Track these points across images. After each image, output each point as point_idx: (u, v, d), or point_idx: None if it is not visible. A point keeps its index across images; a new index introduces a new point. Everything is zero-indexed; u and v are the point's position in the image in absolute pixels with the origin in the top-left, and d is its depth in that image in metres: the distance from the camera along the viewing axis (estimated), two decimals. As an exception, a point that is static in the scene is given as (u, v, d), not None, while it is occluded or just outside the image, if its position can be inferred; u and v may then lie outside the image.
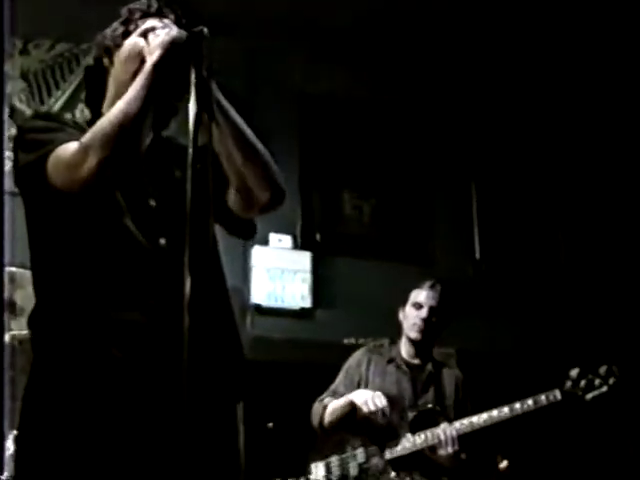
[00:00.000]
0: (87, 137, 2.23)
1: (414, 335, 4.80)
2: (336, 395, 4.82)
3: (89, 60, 2.70)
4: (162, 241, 2.39)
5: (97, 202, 2.30)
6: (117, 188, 2.31)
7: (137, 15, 2.56)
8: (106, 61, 2.57)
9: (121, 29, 2.56)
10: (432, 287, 4.82)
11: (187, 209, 2.00)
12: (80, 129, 2.40)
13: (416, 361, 4.85)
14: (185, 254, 1.97)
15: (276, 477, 4.80)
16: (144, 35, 2.48)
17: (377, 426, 4.58)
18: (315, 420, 4.80)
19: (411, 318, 4.81)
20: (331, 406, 4.75)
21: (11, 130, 6.66)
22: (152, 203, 2.46)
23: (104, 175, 2.20)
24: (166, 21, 2.52)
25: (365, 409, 4.55)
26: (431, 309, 4.76)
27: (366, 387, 4.79)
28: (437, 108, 8.06)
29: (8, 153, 6.56)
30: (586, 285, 7.86)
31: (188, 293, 1.94)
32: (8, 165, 6.53)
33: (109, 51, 2.56)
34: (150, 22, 2.51)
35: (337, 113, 7.84)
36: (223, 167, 2.45)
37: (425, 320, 4.76)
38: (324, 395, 4.86)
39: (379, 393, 4.58)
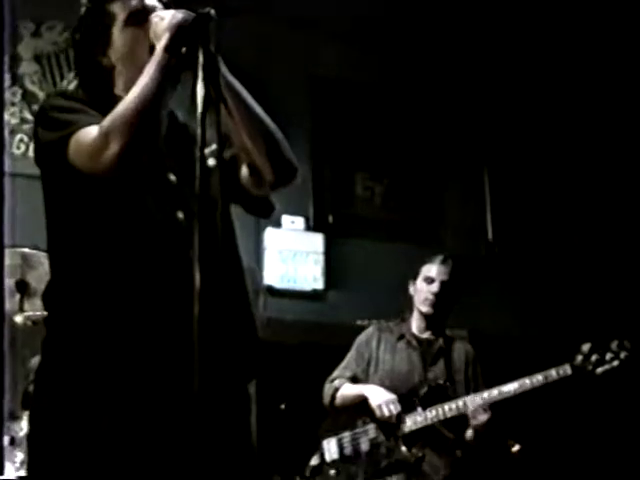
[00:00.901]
0: (107, 122, 2.23)
1: (426, 309, 4.81)
2: (347, 373, 4.83)
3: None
4: (180, 215, 2.40)
5: (117, 182, 2.32)
6: (138, 170, 2.31)
7: None
8: (105, 60, 2.54)
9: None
10: (444, 262, 4.83)
11: (197, 192, 2.02)
12: (102, 109, 2.38)
13: (427, 335, 4.86)
14: (195, 250, 1.98)
15: (288, 456, 4.83)
16: (137, 20, 2.48)
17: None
18: (326, 400, 4.82)
19: (423, 292, 4.82)
20: (342, 391, 4.77)
21: (24, 113, 6.69)
22: (172, 178, 2.48)
23: (126, 161, 2.22)
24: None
25: (378, 413, 4.57)
26: (442, 283, 4.78)
27: (376, 365, 4.80)
28: (450, 90, 8.04)
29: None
30: (598, 265, 7.85)
31: (198, 283, 1.95)
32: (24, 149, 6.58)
33: (103, 49, 2.54)
34: (134, 1, 2.51)
35: (349, 95, 7.83)
36: (234, 144, 2.47)
37: (437, 294, 4.77)
38: (335, 374, 4.87)
39: (394, 398, 4.59)
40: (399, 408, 4.57)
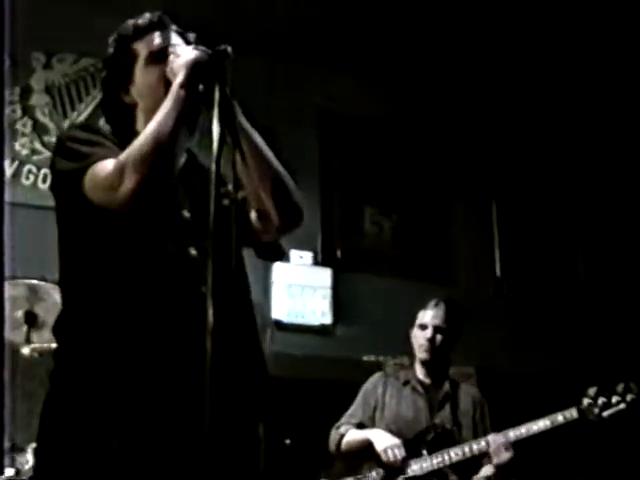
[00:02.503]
0: (123, 157, 2.24)
1: (423, 356, 4.81)
2: (353, 420, 4.82)
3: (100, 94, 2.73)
4: (193, 252, 2.40)
5: (131, 215, 2.31)
6: (153, 206, 2.31)
7: (133, 36, 2.59)
8: (127, 98, 2.58)
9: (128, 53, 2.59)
10: (436, 306, 4.83)
11: (210, 229, 2.02)
12: (120, 143, 2.40)
13: (431, 381, 4.84)
14: (208, 283, 1.98)
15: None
16: (158, 58, 2.50)
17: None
18: (332, 446, 4.81)
19: (418, 339, 4.83)
20: (347, 437, 4.76)
21: (34, 144, 6.71)
22: (186, 214, 2.47)
23: (141, 198, 2.22)
24: (169, 34, 2.56)
25: (384, 457, 4.56)
26: (435, 328, 4.77)
27: (382, 411, 4.79)
28: (459, 126, 8.06)
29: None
30: (606, 304, 7.82)
31: (211, 320, 1.95)
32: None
33: (125, 88, 2.58)
34: (156, 40, 2.54)
35: (358, 130, 7.85)
36: (244, 186, 2.48)
37: (430, 340, 4.76)
38: (341, 421, 4.86)
39: (398, 443, 4.58)
40: (404, 453, 4.56)
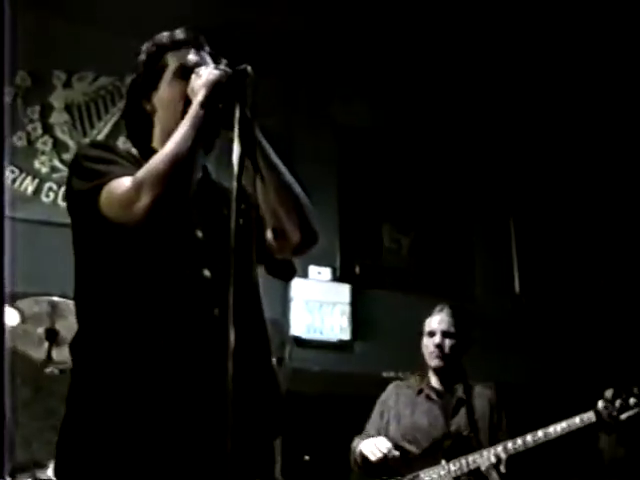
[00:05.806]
0: (140, 174, 2.25)
1: (434, 363, 4.76)
2: (364, 436, 4.81)
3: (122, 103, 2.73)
4: (206, 272, 2.39)
5: (146, 234, 2.32)
6: (168, 225, 2.32)
7: (168, 47, 2.60)
8: (148, 106, 2.60)
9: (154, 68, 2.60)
10: (440, 311, 4.80)
11: (231, 246, 2.03)
12: (135, 161, 2.43)
13: (445, 388, 4.82)
14: (230, 303, 1.99)
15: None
16: (185, 73, 2.51)
17: (394, 465, 4.57)
18: (352, 464, 4.81)
19: (428, 347, 4.78)
20: (355, 452, 4.75)
21: (54, 161, 6.76)
22: (199, 235, 2.47)
23: (157, 214, 2.23)
24: (202, 54, 2.57)
25: (373, 459, 4.54)
26: (443, 333, 4.73)
27: (398, 421, 4.77)
28: (477, 143, 8.07)
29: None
30: (626, 319, 7.80)
31: (233, 342, 1.96)
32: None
33: (148, 95, 2.60)
34: (190, 56, 2.56)
35: (376, 147, 7.88)
36: (261, 207, 2.49)
37: (439, 345, 4.72)
38: (360, 435, 4.86)
39: (381, 438, 4.58)
40: (388, 444, 4.53)
